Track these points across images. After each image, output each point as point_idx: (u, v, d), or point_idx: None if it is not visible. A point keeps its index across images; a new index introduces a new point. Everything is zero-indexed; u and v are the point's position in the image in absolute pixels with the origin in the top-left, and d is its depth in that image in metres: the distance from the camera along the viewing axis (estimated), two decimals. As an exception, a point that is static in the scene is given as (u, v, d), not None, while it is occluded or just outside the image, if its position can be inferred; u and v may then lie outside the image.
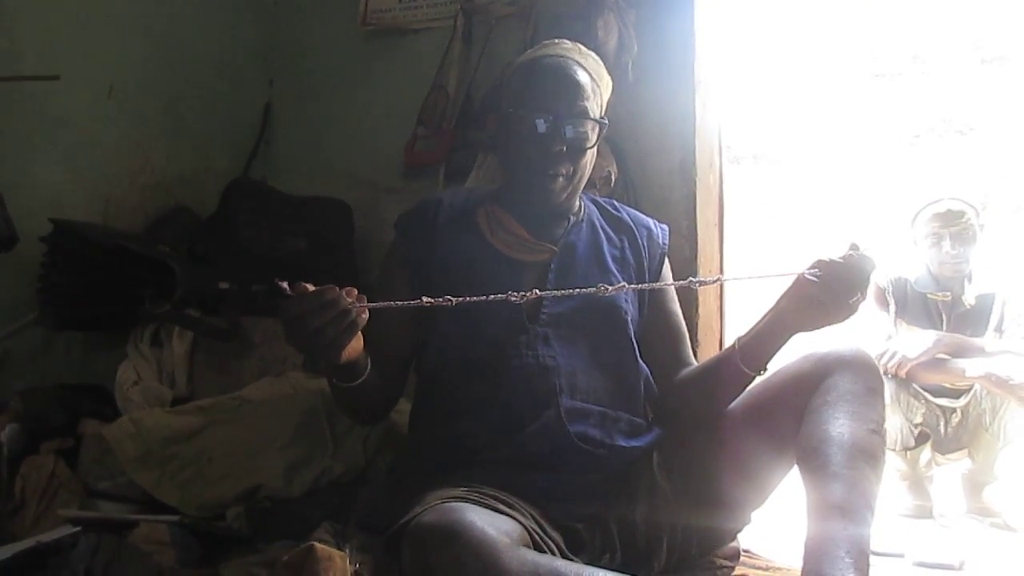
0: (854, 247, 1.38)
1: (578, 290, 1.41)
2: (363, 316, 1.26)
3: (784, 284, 1.44)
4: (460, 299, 1.30)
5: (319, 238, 2.52)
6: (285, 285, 1.20)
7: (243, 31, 2.99)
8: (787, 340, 1.46)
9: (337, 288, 1.23)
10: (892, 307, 2.86)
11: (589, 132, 1.54)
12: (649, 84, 2.30)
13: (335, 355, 1.27)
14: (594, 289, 1.40)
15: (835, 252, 1.38)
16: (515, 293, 1.35)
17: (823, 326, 1.41)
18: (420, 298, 1.29)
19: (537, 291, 1.39)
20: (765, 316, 1.47)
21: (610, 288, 1.41)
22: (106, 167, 2.52)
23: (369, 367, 1.41)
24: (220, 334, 2.14)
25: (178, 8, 2.74)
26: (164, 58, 2.70)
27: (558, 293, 1.43)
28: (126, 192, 2.57)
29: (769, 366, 1.49)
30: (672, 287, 1.68)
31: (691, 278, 1.48)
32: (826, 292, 1.36)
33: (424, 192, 2.48)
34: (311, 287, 1.23)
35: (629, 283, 1.58)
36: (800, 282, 1.39)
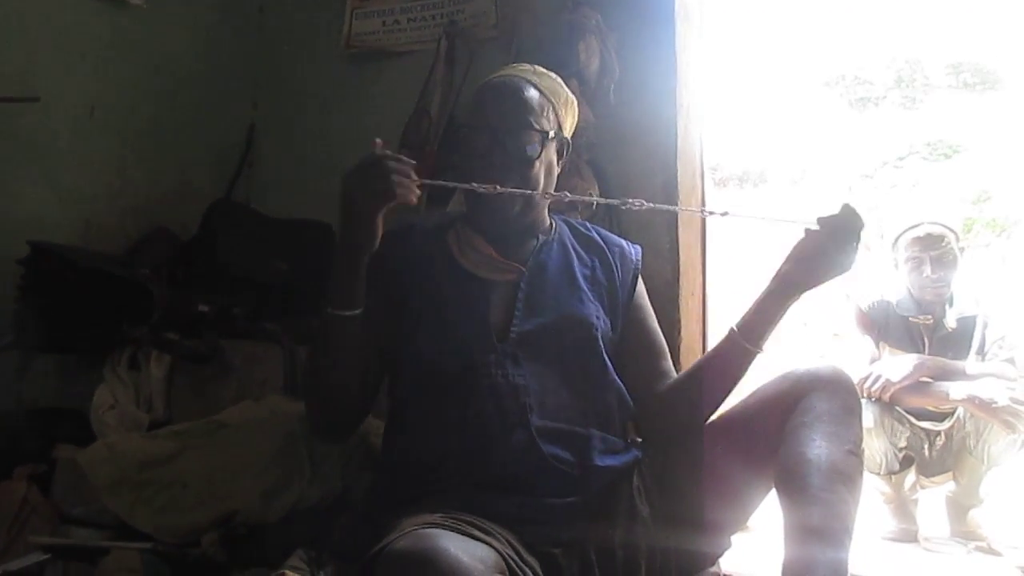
0: (846, 204, 1.45)
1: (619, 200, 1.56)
2: (416, 192, 1.38)
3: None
4: (505, 190, 1.47)
5: (301, 260, 2.51)
6: (379, 141, 1.36)
7: (226, 52, 2.99)
8: (790, 306, 1.49)
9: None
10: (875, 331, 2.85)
11: (535, 143, 1.55)
12: (631, 107, 2.30)
13: (380, 201, 1.36)
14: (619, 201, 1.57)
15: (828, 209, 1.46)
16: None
17: (829, 278, 1.46)
18: (471, 184, 1.47)
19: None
20: (766, 287, 1.50)
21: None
22: (87, 189, 2.51)
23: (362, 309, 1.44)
24: (198, 356, 2.12)
25: (161, 29, 2.74)
26: (146, 79, 2.69)
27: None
28: (107, 214, 2.56)
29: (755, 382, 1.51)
30: (648, 304, 1.69)
31: (703, 208, 1.55)
32: (830, 239, 1.42)
33: (406, 214, 2.47)
34: None
35: (601, 304, 1.60)
36: (802, 240, 1.46)
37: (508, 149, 1.53)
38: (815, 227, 1.44)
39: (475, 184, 1.45)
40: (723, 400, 1.55)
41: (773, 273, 1.50)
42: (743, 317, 1.52)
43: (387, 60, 2.78)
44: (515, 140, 1.53)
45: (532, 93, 1.57)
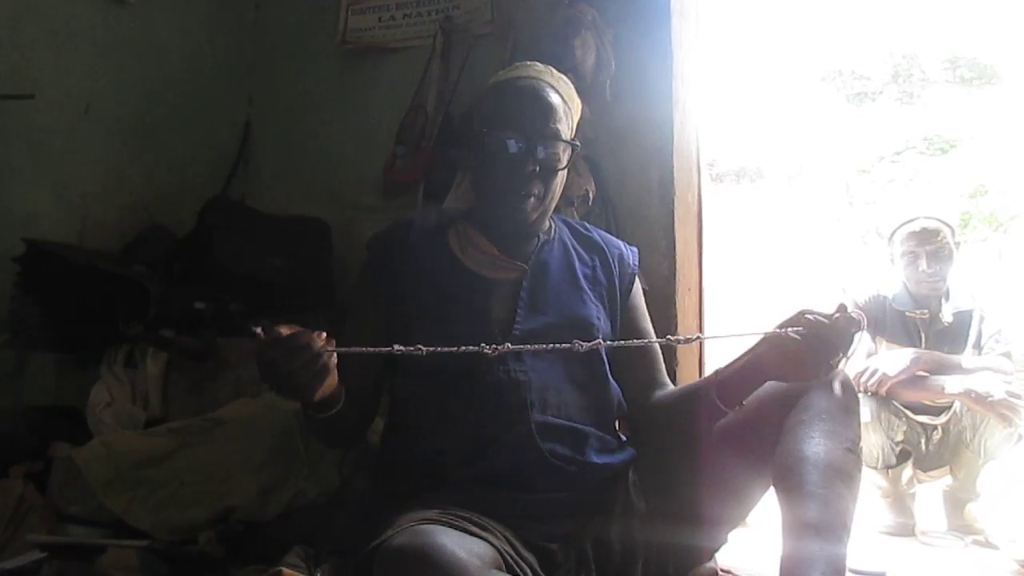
0: (842, 308, 1.36)
1: (552, 345, 1.38)
2: (334, 360, 1.26)
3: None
4: (431, 349, 1.29)
5: (297, 257, 2.51)
6: (259, 330, 1.21)
7: (222, 49, 2.98)
8: (762, 384, 1.45)
9: (310, 332, 1.23)
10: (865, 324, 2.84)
11: (561, 153, 1.55)
12: (627, 102, 2.30)
13: (308, 397, 1.28)
14: (568, 346, 1.38)
15: (822, 308, 1.37)
16: (487, 347, 1.33)
17: (800, 380, 1.40)
18: (392, 347, 1.29)
19: (509, 345, 1.37)
20: (743, 357, 1.45)
21: (584, 345, 1.39)
22: (82, 186, 2.51)
23: (344, 398, 1.40)
24: (194, 354, 2.12)
25: (156, 25, 2.73)
26: (142, 76, 2.69)
27: (530, 348, 1.41)
28: (102, 211, 2.55)
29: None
30: (643, 306, 1.68)
31: (669, 336, 1.48)
32: (808, 351, 1.35)
33: (403, 211, 2.47)
34: (285, 329, 1.23)
35: (600, 301, 1.60)
36: (784, 335, 1.37)
37: (538, 158, 1.51)
38: (798, 332, 1.34)
39: (396, 346, 1.30)
40: (705, 430, 1.50)
41: (753, 346, 1.44)
42: (723, 373, 1.47)
43: (382, 56, 2.77)
44: (545, 149, 1.52)
45: (556, 99, 1.56)
